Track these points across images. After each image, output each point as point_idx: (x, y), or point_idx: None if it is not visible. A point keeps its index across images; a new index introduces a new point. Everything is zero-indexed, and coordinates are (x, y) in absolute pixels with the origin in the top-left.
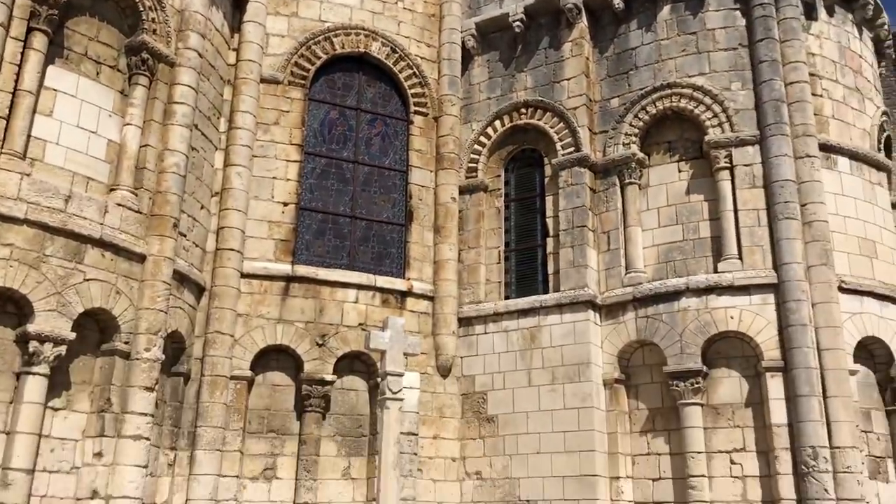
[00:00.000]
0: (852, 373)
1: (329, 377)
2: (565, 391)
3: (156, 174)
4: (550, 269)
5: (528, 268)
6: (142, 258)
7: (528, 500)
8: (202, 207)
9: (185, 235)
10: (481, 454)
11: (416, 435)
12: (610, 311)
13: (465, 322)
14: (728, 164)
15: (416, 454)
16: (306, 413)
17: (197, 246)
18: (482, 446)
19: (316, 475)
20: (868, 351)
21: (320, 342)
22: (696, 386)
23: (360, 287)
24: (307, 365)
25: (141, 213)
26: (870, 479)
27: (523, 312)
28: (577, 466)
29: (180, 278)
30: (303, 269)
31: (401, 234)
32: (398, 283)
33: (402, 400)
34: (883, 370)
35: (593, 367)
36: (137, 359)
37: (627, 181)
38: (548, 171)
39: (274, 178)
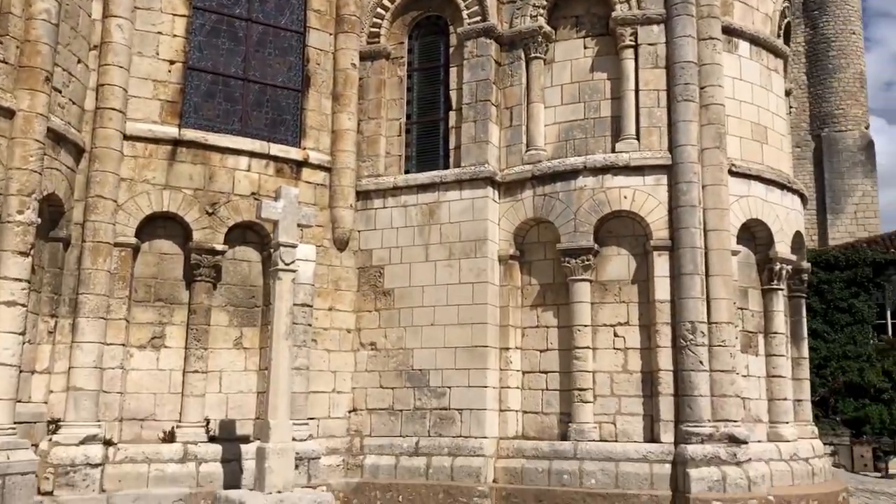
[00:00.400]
0: (734, 253)
1: (220, 247)
2: (461, 266)
3: (23, 21)
4: (452, 144)
5: (429, 142)
6: (10, 113)
7: (420, 370)
8: (79, 62)
9: (59, 91)
10: (376, 326)
11: (311, 307)
12: (509, 188)
13: (363, 196)
14: (633, 43)
15: (310, 325)
16: (196, 282)
17: (74, 104)
18: (377, 318)
19: (206, 344)
20: (751, 232)
21: (210, 211)
22: (587, 263)
23: (252, 155)
24: (197, 234)
25: (8, 63)
26: (741, 352)
27: (423, 187)
28: (469, 338)
29: (56, 138)
30: (191, 133)
31: (297, 100)
32: (293, 153)
33: (294, 271)
34: (763, 251)
35: (490, 243)
36: (10, 221)
37: (533, 55)
38: (453, 40)
39: (159, 33)
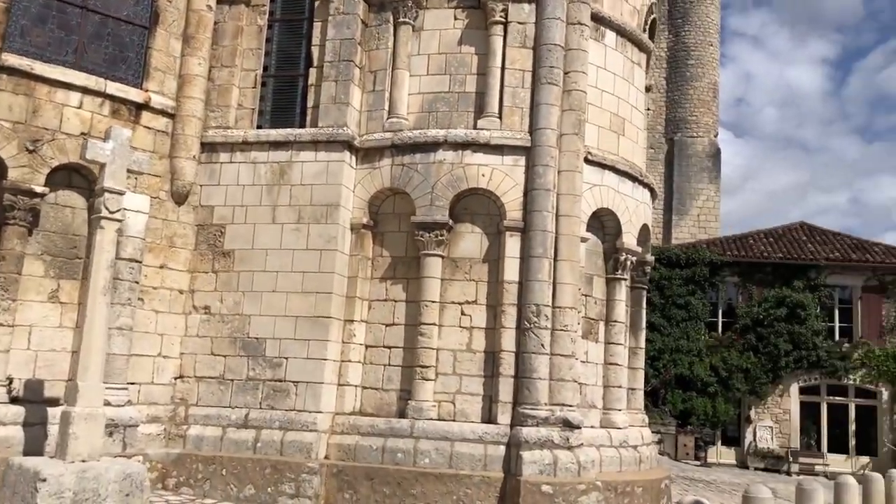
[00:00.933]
0: (583, 240)
1: (39, 189)
2: (310, 232)
3: None
4: (310, 103)
5: (286, 98)
6: None
7: (256, 338)
8: None
9: None
10: (212, 289)
11: (140, 262)
12: (367, 154)
13: (209, 148)
14: (503, 20)
15: (137, 283)
16: (8, 226)
17: None
18: (214, 281)
19: (16, 295)
20: (600, 221)
21: (31, 148)
22: (441, 238)
23: (86, 91)
24: (13, 172)
25: None
26: (582, 338)
27: (276, 145)
28: (312, 307)
29: None
30: (14, 59)
31: (143, 37)
32: (133, 94)
33: (120, 221)
34: (610, 241)
35: (342, 210)
36: None
37: (402, 20)
38: None
39: None
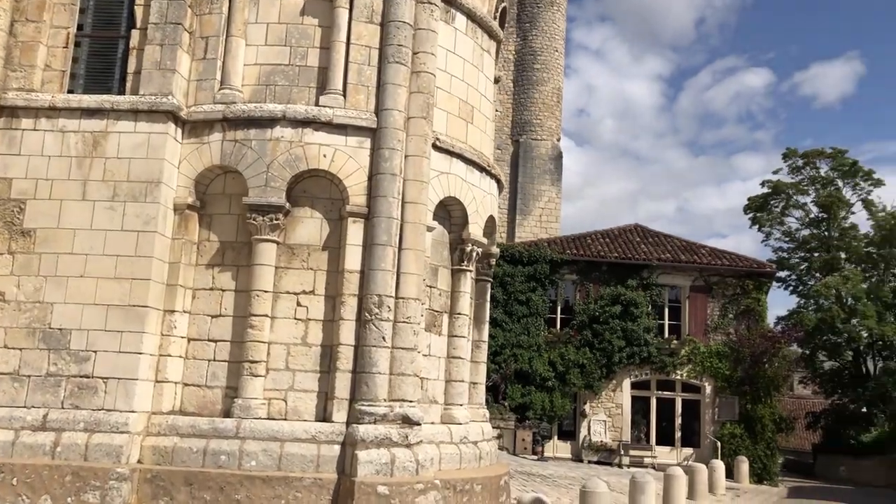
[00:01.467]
0: (430, 229)
1: None
2: (126, 211)
3: None
4: (132, 68)
5: (104, 61)
6: None
7: (60, 328)
8: None
9: None
10: (8, 272)
11: None
12: (195, 128)
13: (8, 112)
14: None
15: None
16: None
17: None
18: (11, 263)
19: None
20: (447, 211)
21: None
22: (276, 223)
23: None
24: None
25: None
26: (426, 331)
27: (89, 112)
28: (126, 295)
29: None
30: None
31: None
32: None
33: None
34: (457, 231)
35: (164, 188)
36: None
37: None
38: None
39: None
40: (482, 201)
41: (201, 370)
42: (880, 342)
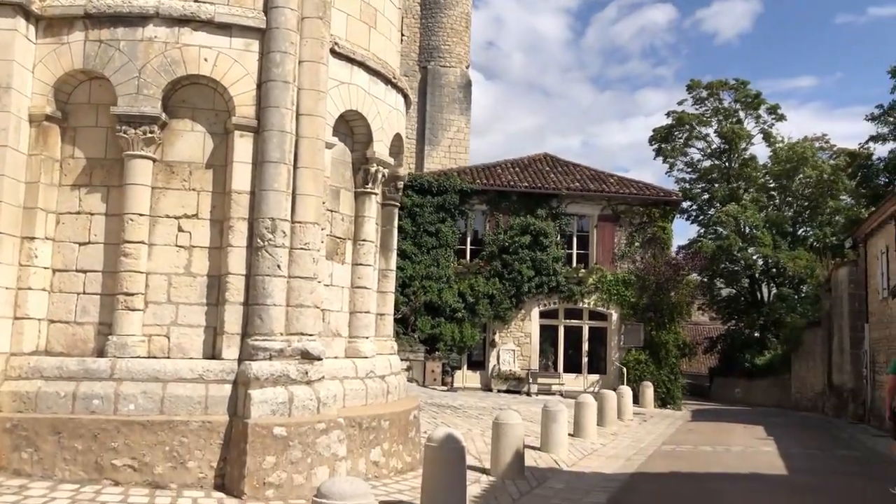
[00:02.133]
0: (329, 146)
1: None
2: None
3: None
4: None
5: None
6: None
7: None
8: None
9: None
10: None
11: None
12: (52, 25)
13: None
14: None
15: None
16: None
17: None
18: None
19: None
20: (349, 126)
21: None
22: (151, 136)
23: None
24: None
25: None
26: (327, 259)
27: None
28: None
29: None
30: None
31: None
32: None
33: None
34: (360, 150)
35: (15, 94)
36: None
37: None
38: None
39: None
40: (388, 117)
41: (69, 305)
42: (774, 269)
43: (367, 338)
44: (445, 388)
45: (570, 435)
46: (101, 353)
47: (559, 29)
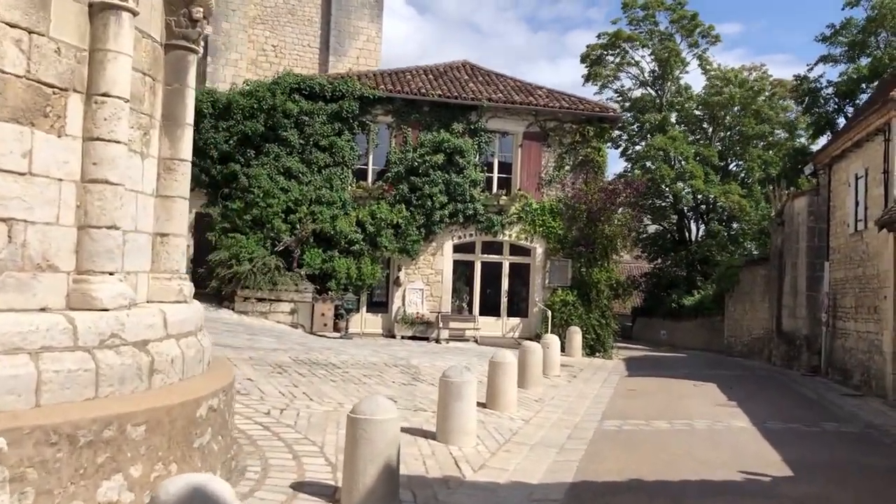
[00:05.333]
0: None
1: None
2: None
3: None
4: None
5: None
6: None
7: None
8: None
9: None
10: None
11: None
12: None
13: None
14: None
15: None
16: None
17: None
18: None
19: None
20: None
21: None
22: None
23: None
24: None
25: None
26: (17, 123)
27: None
28: None
29: None
30: None
31: None
32: None
33: None
34: None
35: None
36: None
37: None
38: None
39: None
40: None
41: None
42: (704, 205)
43: (110, 273)
44: (338, 334)
45: (480, 405)
46: None
47: None
